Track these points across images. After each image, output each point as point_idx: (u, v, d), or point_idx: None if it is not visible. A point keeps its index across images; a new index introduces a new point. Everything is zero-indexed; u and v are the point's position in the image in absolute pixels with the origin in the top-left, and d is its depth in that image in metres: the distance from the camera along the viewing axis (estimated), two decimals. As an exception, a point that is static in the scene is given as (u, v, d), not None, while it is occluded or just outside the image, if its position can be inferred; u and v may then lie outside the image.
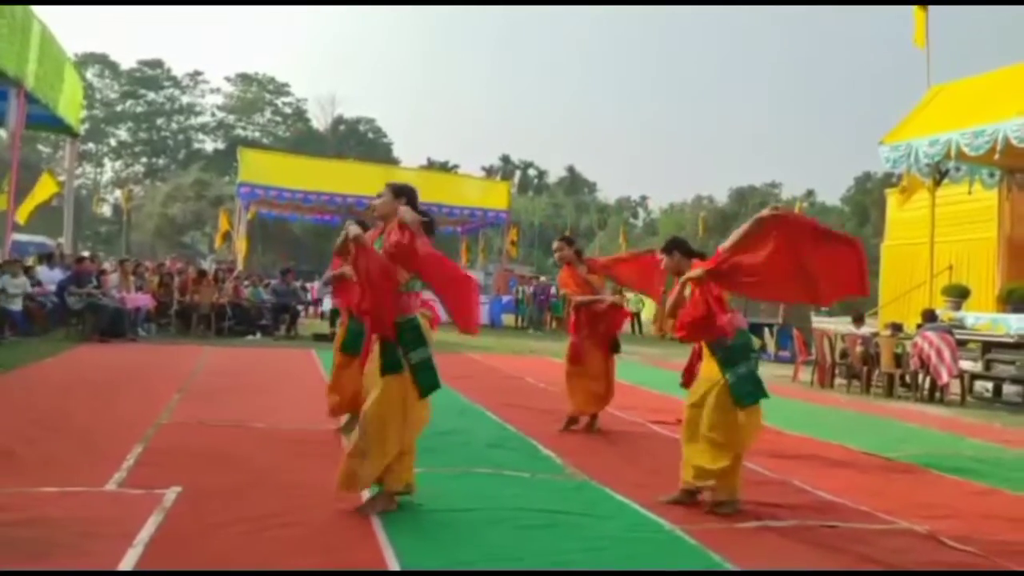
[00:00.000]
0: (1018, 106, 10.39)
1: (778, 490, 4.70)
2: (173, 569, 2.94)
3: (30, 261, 14.46)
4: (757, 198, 56.67)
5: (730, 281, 4.17)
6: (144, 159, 67.52)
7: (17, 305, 11.24)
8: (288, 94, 69.39)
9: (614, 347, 6.47)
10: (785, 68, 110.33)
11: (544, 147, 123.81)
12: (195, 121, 68.54)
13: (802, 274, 4.06)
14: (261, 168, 23.42)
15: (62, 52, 15.52)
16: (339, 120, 68.98)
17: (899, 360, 10.64)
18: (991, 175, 13.37)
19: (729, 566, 3.29)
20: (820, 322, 21.11)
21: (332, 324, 15.58)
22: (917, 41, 13.14)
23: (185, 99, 67.90)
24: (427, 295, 3.95)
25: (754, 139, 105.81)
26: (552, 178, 76.87)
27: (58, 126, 17.19)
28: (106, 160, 67.29)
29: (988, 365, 10.69)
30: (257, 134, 66.39)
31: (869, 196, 52.27)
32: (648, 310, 23.70)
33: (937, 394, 10.23)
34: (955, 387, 10.27)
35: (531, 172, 76.93)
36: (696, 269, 4.30)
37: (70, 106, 16.43)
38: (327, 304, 18.43)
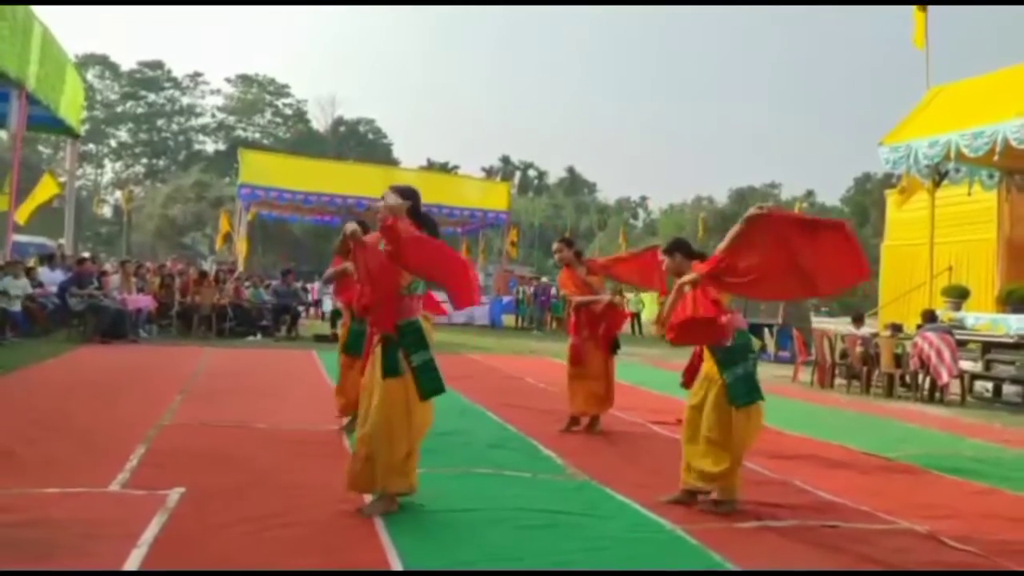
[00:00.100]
0: (1017, 107, 10.41)
1: (779, 490, 4.71)
2: (178, 569, 2.95)
3: (31, 262, 14.47)
4: (757, 199, 56.66)
5: (727, 283, 4.17)
6: (144, 160, 67.58)
7: (18, 306, 11.25)
8: (288, 95, 69.56)
9: (614, 348, 6.49)
10: (785, 68, 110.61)
11: (544, 148, 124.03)
12: (195, 122, 68.64)
13: (797, 269, 4.06)
14: (261, 169, 23.47)
15: (63, 53, 15.54)
16: (339, 121, 69.06)
17: (899, 360, 10.66)
18: (990, 176, 13.38)
19: (730, 566, 3.30)
20: (820, 322, 21.14)
21: (333, 325, 15.59)
22: (916, 42, 13.15)
23: (185, 100, 68.03)
24: (438, 296, 3.94)
25: (754, 139, 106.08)
26: (552, 179, 77.03)
27: (59, 127, 17.24)
28: (106, 161, 67.40)
29: (988, 365, 10.71)
30: (257, 135, 66.45)
31: (869, 197, 52.35)
32: (648, 310, 23.71)
33: (937, 394, 10.25)
34: (955, 387, 10.28)
35: (531, 173, 77.04)
36: (692, 273, 4.31)
37: (71, 107, 16.46)
38: (328, 305, 18.46)
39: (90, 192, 60.72)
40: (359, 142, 67.34)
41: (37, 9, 13.03)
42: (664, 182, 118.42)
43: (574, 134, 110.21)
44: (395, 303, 3.81)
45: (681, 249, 4.57)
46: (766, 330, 16.68)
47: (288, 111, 69.72)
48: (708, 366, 4.30)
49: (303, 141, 60.99)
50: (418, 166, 53.35)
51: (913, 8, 13.23)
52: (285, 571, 3.00)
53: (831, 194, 77.21)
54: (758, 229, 4.03)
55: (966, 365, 10.51)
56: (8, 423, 5.40)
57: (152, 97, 66.14)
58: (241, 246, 23.91)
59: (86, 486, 3.95)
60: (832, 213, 55.55)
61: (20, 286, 11.43)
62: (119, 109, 65.33)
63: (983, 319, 11.53)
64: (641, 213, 75.02)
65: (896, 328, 11.24)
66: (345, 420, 5.77)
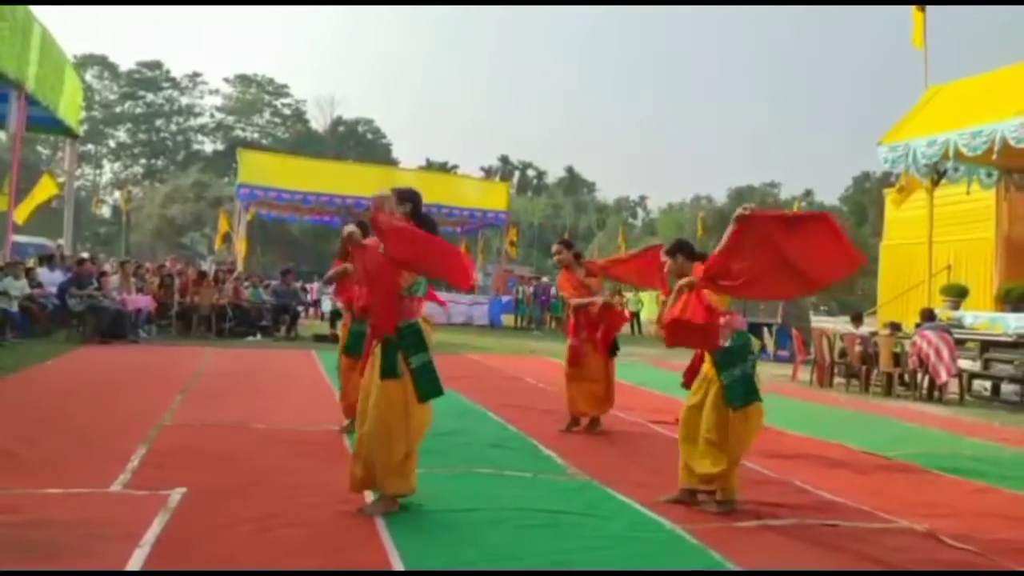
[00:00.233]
0: (1016, 106, 10.43)
1: (778, 489, 4.73)
2: (181, 569, 2.97)
3: (30, 263, 14.46)
4: (756, 198, 56.72)
5: (722, 287, 4.20)
6: (143, 160, 67.52)
7: (15, 307, 11.24)
8: (287, 95, 69.47)
9: (613, 350, 6.50)
10: (784, 68, 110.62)
11: (543, 147, 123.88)
12: (194, 122, 68.55)
13: (787, 267, 4.08)
14: (260, 169, 23.43)
15: (62, 54, 15.54)
16: (338, 121, 69.02)
17: (898, 359, 10.68)
18: (989, 175, 13.41)
19: (730, 565, 3.32)
20: (819, 321, 21.16)
21: (332, 325, 15.60)
22: (915, 42, 13.17)
23: (184, 100, 67.91)
24: (445, 295, 3.94)
25: (753, 139, 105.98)
26: (551, 178, 76.93)
27: (58, 128, 17.23)
28: (105, 161, 67.31)
29: (986, 364, 10.73)
30: (256, 135, 66.40)
31: (867, 196, 52.37)
32: (647, 310, 23.73)
33: (936, 393, 10.27)
34: (954, 386, 10.30)
35: (530, 172, 76.97)
36: (689, 277, 4.34)
37: (70, 108, 16.46)
38: (327, 305, 18.46)
39: (89, 192, 60.69)
40: (358, 142, 67.31)
41: (36, 9, 13.05)
42: (663, 181, 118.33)
43: (573, 134, 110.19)
44: (395, 304, 3.82)
45: (683, 250, 4.57)
46: (765, 329, 16.70)
47: (287, 111, 69.69)
48: (708, 366, 4.32)
49: (302, 141, 60.96)
50: (417, 166, 53.36)
51: (912, 8, 13.25)
52: (287, 571, 3.02)
53: (830, 193, 77.22)
54: (745, 231, 4.08)
55: (965, 364, 10.53)
56: (9, 424, 5.40)
57: (151, 97, 66.05)
58: (240, 246, 23.89)
59: (88, 486, 3.97)
60: (831, 212, 55.51)
61: (19, 287, 11.43)
62: (118, 109, 65.26)
63: (981, 318, 11.55)
64: (640, 212, 75.00)
65: (895, 327, 11.25)
66: (346, 421, 5.78)
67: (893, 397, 10.51)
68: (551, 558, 3.26)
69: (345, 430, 5.63)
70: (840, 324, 16.47)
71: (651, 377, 10.76)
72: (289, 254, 45.16)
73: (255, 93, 68.58)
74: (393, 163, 54.02)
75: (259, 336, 14.43)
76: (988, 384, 11.05)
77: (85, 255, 17.61)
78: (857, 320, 11.85)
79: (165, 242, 49.73)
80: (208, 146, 68.15)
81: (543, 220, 62.00)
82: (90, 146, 61.81)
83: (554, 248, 6.75)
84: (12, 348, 10.22)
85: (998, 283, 13.31)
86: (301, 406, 6.86)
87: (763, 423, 4.39)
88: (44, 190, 17.01)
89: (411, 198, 3.97)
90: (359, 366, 4.05)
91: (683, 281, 4.35)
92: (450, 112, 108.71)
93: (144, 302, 13.46)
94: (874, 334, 11.37)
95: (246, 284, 16.21)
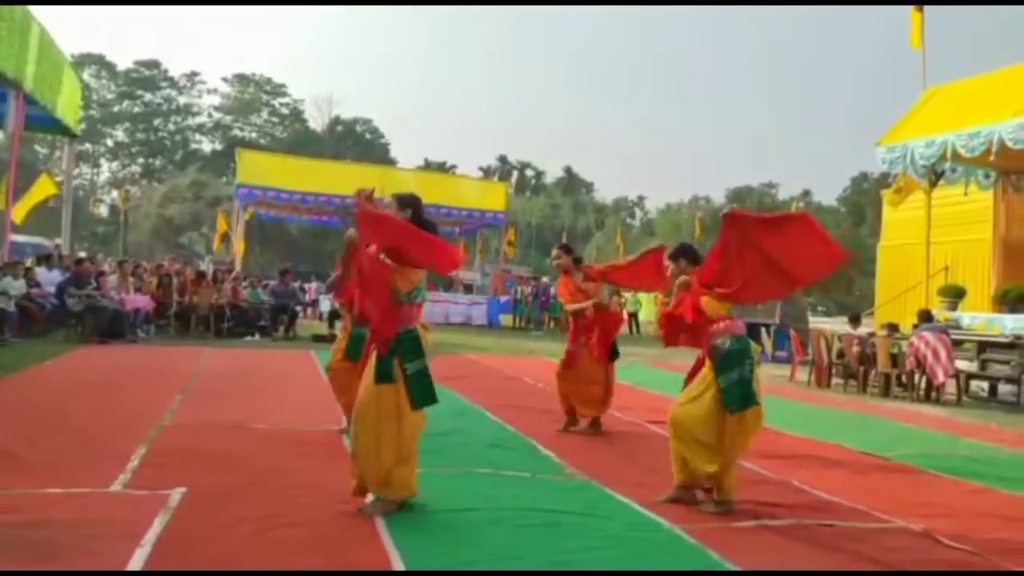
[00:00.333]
0: (1014, 108, 10.46)
1: (776, 489, 4.75)
2: (181, 569, 2.97)
3: (28, 262, 14.45)
4: (754, 198, 56.82)
5: (719, 294, 4.24)
6: (141, 160, 67.46)
7: (12, 306, 11.23)
8: (285, 95, 69.47)
9: (613, 355, 6.48)
10: (783, 68, 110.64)
11: (541, 147, 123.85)
12: (192, 122, 68.50)
13: (772, 267, 4.14)
14: (259, 169, 23.41)
15: (61, 54, 15.53)
16: (336, 121, 68.99)
17: (895, 360, 10.70)
18: (987, 176, 13.46)
19: (728, 565, 3.33)
20: (817, 322, 21.20)
21: (331, 325, 15.62)
22: (913, 42, 13.22)
23: (182, 100, 67.88)
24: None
25: (751, 139, 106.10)
26: (549, 178, 76.95)
27: (56, 127, 17.22)
28: (103, 160, 67.25)
29: (984, 365, 10.75)
30: (254, 135, 66.36)
31: (865, 196, 52.39)
32: (646, 310, 23.75)
33: (933, 394, 10.29)
34: (951, 387, 10.32)
35: (528, 172, 76.96)
36: (684, 276, 4.39)
37: (68, 107, 16.45)
38: (325, 305, 18.47)
39: (87, 192, 60.63)
40: (356, 142, 67.28)
41: (35, 9, 13.04)
42: (661, 182, 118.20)
43: (572, 134, 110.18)
44: (392, 308, 3.83)
45: (686, 255, 4.59)
46: (763, 330, 16.72)
47: (285, 111, 69.65)
48: (707, 369, 4.34)
49: (300, 141, 60.92)
50: (415, 166, 53.39)
51: (910, 8, 13.29)
52: (287, 571, 3.03)
53: (828, 194, 77.30)
54: (731, 230, 4.16)
55: (962, 365, 10.55)
56: (8, 424, 5.41)
57: (149, 97, 65.98)
58: (238, 246, 23.88)
59: (88, 486, 3.97)
60: (829, 212, 55.64)
61: (18, 286, 11.43)
62: (116, 109, 65.18)
63: (979, 319, 11.59)
64: (638, 213, 75.01)
65: (892, 328, 11.28)
66: (346, 422, 5.79)
67: (891, 398, 10.53)
68: (550, 558, 3.28)
69: (345, 431, 5.63)
70: (838, 325, 16.50)
71: (649, 377, 10.78)
72: (287, 254, 45.16)
73: (253, 93, 68.54)
74: (391, 163, 53.96)
75: (257, 336, 14.42)
76: (985, 385, 11.07)
77: (83, 255, 17.62)
78: (855, 321, 11.87)
79: (163, 242, 49.69)
80: (206, 146, 68.18)
81: (541, 220, 62.00)
82: (88, 145, 61.72)
83: (553, 253, 6.74)
84: (11, 348, 10.21)
85: (995, 284, 13.37)
86: (300, 406, 6.87)
87: (761, 426, 4.41)
88: (42, 189, 16.97)
89: (411, 203, 3.97)
90: (359, 368, 4.05)
91: (679, 280, 4.39)
92: (448, 112, 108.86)
93: (142, 302, 13.46)
94: (872, 335, 11.39)
95: (244, 284, 16.22)
